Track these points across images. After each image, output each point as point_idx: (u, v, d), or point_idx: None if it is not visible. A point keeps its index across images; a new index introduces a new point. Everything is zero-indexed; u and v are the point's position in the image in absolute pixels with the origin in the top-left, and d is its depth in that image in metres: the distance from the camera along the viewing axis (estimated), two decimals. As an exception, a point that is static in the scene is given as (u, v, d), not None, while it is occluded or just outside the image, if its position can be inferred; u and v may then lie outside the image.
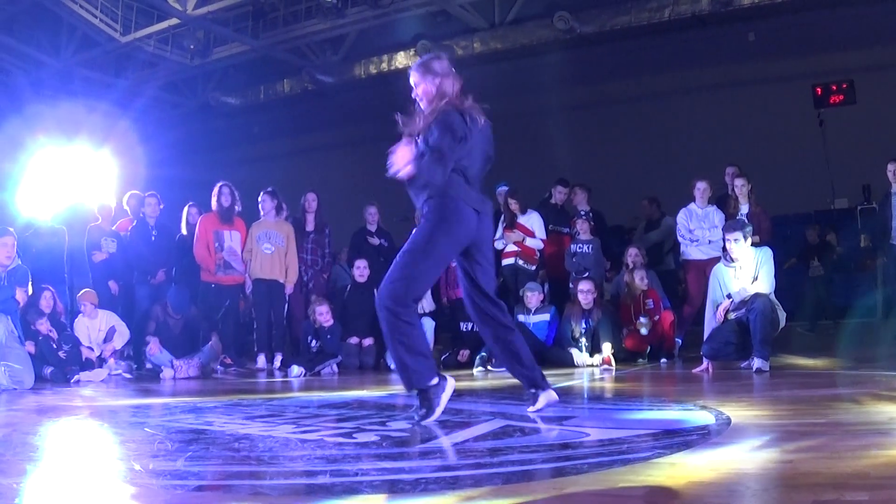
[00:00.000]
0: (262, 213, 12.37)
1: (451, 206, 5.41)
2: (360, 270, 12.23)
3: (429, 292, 11.29)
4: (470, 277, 5.62)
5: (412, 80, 5.73)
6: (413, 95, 5.73)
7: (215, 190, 12.19)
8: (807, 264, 15.85)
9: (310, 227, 12.84)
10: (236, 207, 12.26)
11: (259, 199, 12.38)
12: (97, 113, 19.22)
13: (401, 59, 20.43)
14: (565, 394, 7.30)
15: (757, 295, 8.68)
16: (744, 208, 11.16)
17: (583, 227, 12.15)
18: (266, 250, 12.08)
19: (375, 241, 13.12)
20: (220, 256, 11.98)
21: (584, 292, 10.93)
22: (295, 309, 12.49)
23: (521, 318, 11.11)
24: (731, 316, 8.97)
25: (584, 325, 10.84)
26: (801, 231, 16.72)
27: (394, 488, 3.37)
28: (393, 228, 14.10)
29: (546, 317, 11.26)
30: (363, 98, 21.40)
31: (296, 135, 24.56)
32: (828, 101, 18.48)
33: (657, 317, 10.91)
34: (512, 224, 12.12)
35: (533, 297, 11.27)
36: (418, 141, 5.45)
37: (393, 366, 11.34)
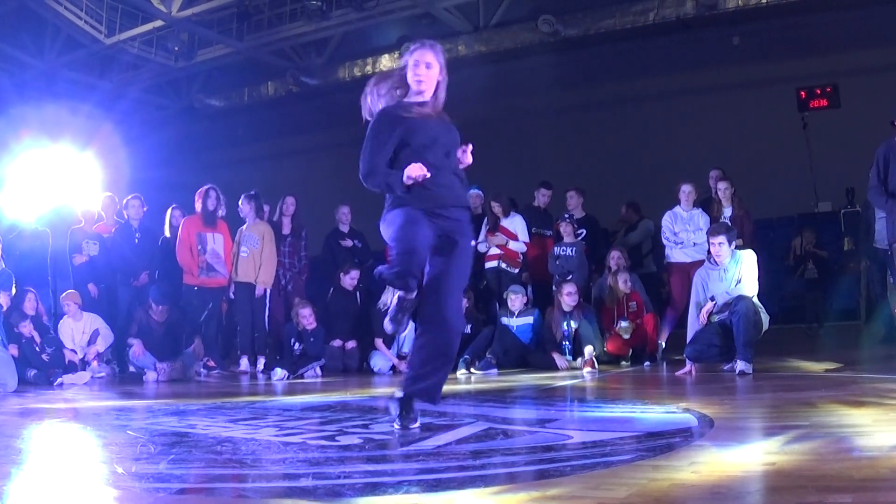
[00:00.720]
0: (241, 216, 12.37)
1: None
2: (353, 280, 12.22)
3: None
4: None
5: (430, 59, 5.43)
6: (420, 74, 5.42)
7: (201, 192, 12.16)
8: (804, 267, 15.81)
9: (286, 230, 12.83)
10: (220, 211, 12.23)
11: (239, 203, 12.36)
12: (81, 115, 19.18)
13: (385, 62, 20.42)
14: (548, 397, 7.31)
15: (740, 297, 8.69)
16: (727, 211, 11.17)
17: (566, 230, 12.14)
18: (243, 253, 12.09)
19: (348, 243, 13.12)
20: (202, 259, 11.95)
21: (568, 295, 10.93)
22: (275, 312, 12.46)
23: (504, 320, 11.10)
24: (715, 318, 8.98)
25: (565, 328, 10.84)
26: (789, 236, 16.76)
27: (376, 491, 3.37)
28: (374, 230, 14.11)
29: (529, 319, 11.22)
30: (347, 100, 21.28)
31: (280, 137, 24.53)
32: (812, 104, 18.53)
33: (639, 320, 10.91)
34: (495, 227, 12.10)
35: (517, 299, 11.23)
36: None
37: (370, 369, 11.39)
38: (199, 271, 11.94)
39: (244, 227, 12.29)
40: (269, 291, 12.27)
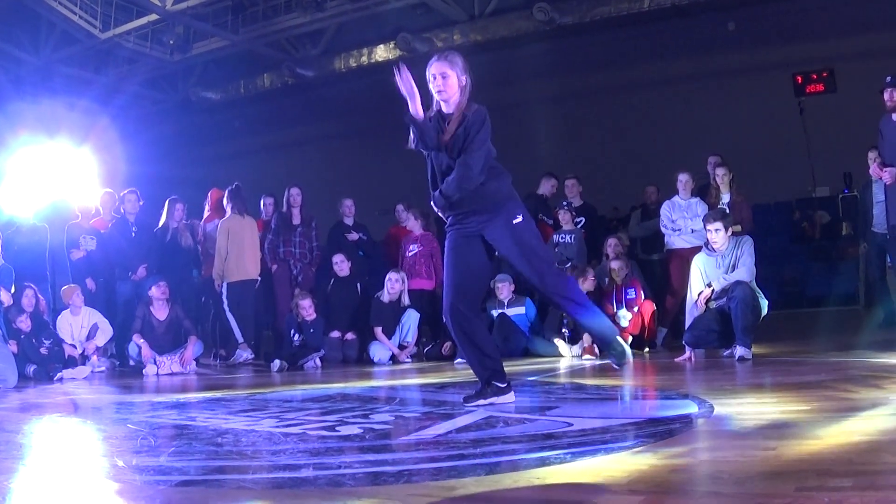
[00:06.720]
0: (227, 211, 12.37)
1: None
2: (339, 265, 12.21)
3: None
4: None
5: (437, 71, 5.62)
6: (435, 87, 5.64)
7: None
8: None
9: (296, 220, 12.81)
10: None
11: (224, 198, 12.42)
12: (77, 110, 19.19)
13: (380, 53, 20.45)
14: (548, 384, 7.31)
15: (738, 283, 8.69)
16: (725, 197, 11.16)
17: (565, 218, 12.13)
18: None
19: (354, 236, 13.12)
20: None
21: (589, 280, 10.93)
22: (284, 303, 12.42)
23: (494, 312, 11.08)
24: (713, 305, 8.98)
25: (565, 317, 10.82)
26: (787, 220, 16.85)
27: (377, 480, 3.37)
28: (372, 222, 14.12)
29: (522, 309, 11.23)
30: (343, 91, 21.41)
31: (276, 129, 24.49)
32: (808, 89, 18.54)
33: (636, 308, 10.89)
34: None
35: (504, 287, 11.21)
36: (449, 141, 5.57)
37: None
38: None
39: (226, 220, 12.25)
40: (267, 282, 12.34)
